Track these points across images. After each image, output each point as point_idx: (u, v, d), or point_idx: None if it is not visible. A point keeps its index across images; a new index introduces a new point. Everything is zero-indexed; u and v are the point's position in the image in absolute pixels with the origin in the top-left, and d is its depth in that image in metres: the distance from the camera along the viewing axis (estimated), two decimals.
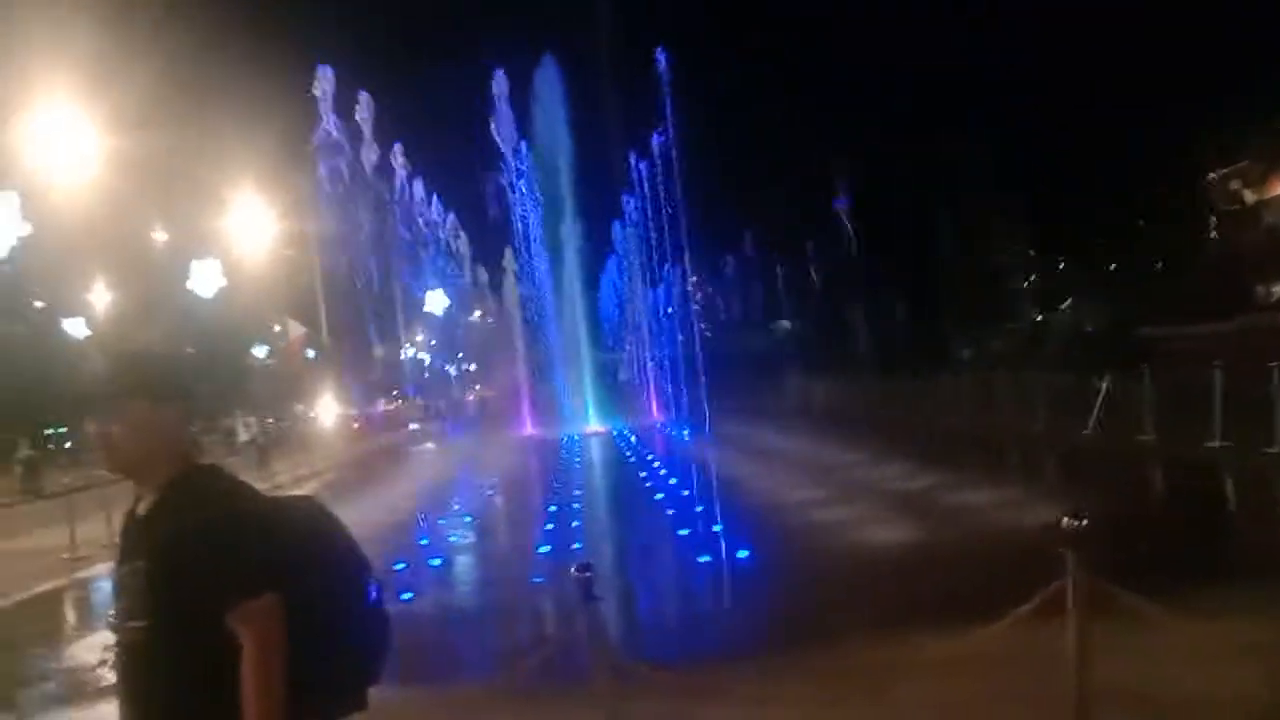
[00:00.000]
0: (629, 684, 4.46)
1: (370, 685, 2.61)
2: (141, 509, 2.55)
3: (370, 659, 2.61)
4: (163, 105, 35.04)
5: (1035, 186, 49.30)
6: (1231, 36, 39.12)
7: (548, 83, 38.17)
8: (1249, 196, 37.30)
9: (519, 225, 40.26)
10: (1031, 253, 56.30)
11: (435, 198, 65.78)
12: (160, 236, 44.98)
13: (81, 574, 13.69)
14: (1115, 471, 14.34)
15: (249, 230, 40.26)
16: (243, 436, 33.88)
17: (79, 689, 7.56)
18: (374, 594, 2.64)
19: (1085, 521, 4.19)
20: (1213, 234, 39.58)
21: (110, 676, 7.70)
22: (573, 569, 4.43)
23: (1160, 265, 47.86)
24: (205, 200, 41.13)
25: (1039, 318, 56.60)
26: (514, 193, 39.59)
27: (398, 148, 61.09)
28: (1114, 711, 4.50)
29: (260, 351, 65.17)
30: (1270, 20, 38.37)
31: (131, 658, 2.47)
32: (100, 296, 43.01)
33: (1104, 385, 18.00)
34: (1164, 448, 14.94)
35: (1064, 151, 45.24)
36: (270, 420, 46.26)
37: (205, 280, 42.31)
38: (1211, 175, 39.53)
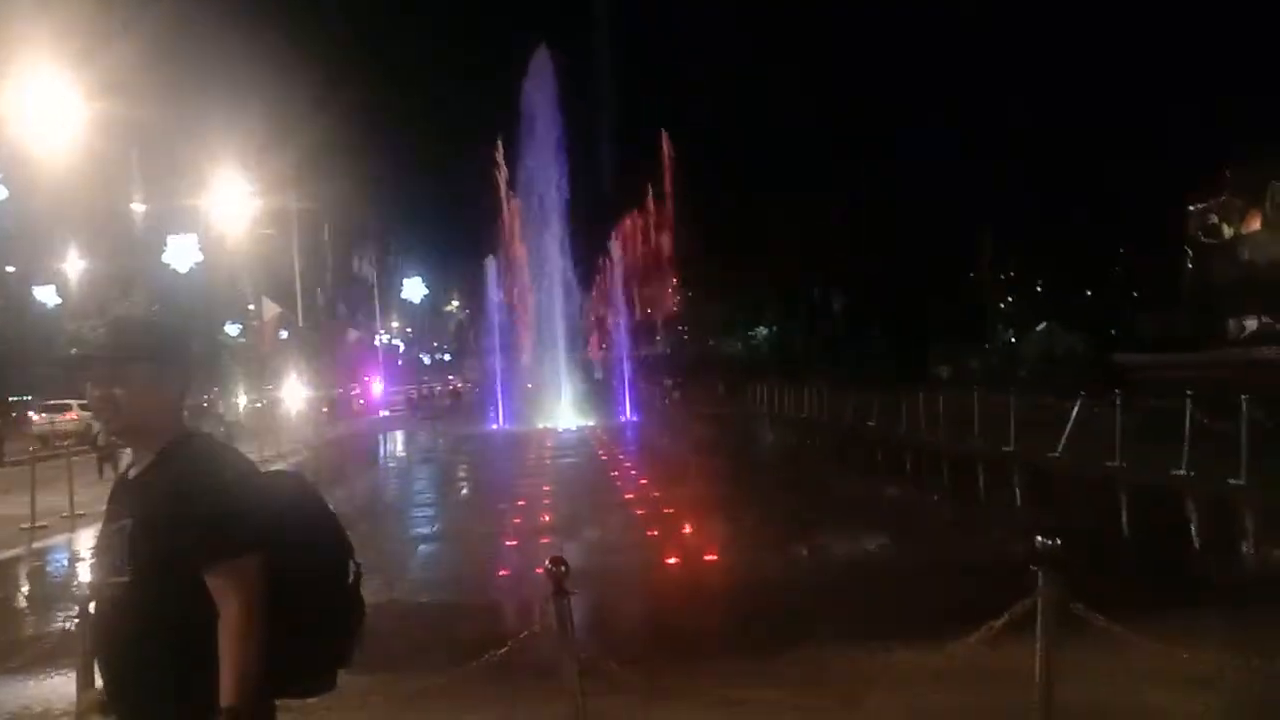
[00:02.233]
0: (597, 680, 4.45)
1: (341, 666, 2.60)
2: (133, 473, 2.57)
3: (344, 640, 2.59)
4: (146, 75, 34.74)
5: (1016, 209, 49.77)
6: (1214, 71, 39.71)
7: (541, 75, 38.06)
8: (1227, 230, 37.79)
9: (504, 220, 40.17)
10: (1010, 274, 56.77)
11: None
12: (138, 208, 44.53)
13: (39, 544, 13.54)
14: (1082, 495, 14.51)
15: (229, 206, 39.89)
16: (224, 413, 33.59)
17: (32, 659, 7.45)
18: (353, 575, 2.63)
19: (1058, 541, 4.22)
20: (1189, 266, 40.07)
21: (66, 645, 7.67)
22: (546, 563, 4.42)
23: (1136, 294, 48.48)
24: (186, 174, 40.77)
25: (1013, 340, 57.16)
26: (502, 189, 39.52)
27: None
28: None
29: (233, 330, 64.77)
30: (1251, 55, 38.98)
31: (110, 614, 2.47)
32: (74, 265, 42.54)
33: (1075, 409, 18.16)
34: (1131, 474, 15.08)
35: (1046, 176, 45.73)
36: (235, 399, 45.98)
37: (181, 255, 41.96)
38: (1191, 208, 40.08)
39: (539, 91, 37.93)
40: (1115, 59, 44.23)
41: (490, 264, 41.82)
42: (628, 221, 50.20)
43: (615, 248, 43.49)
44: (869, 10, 73.17)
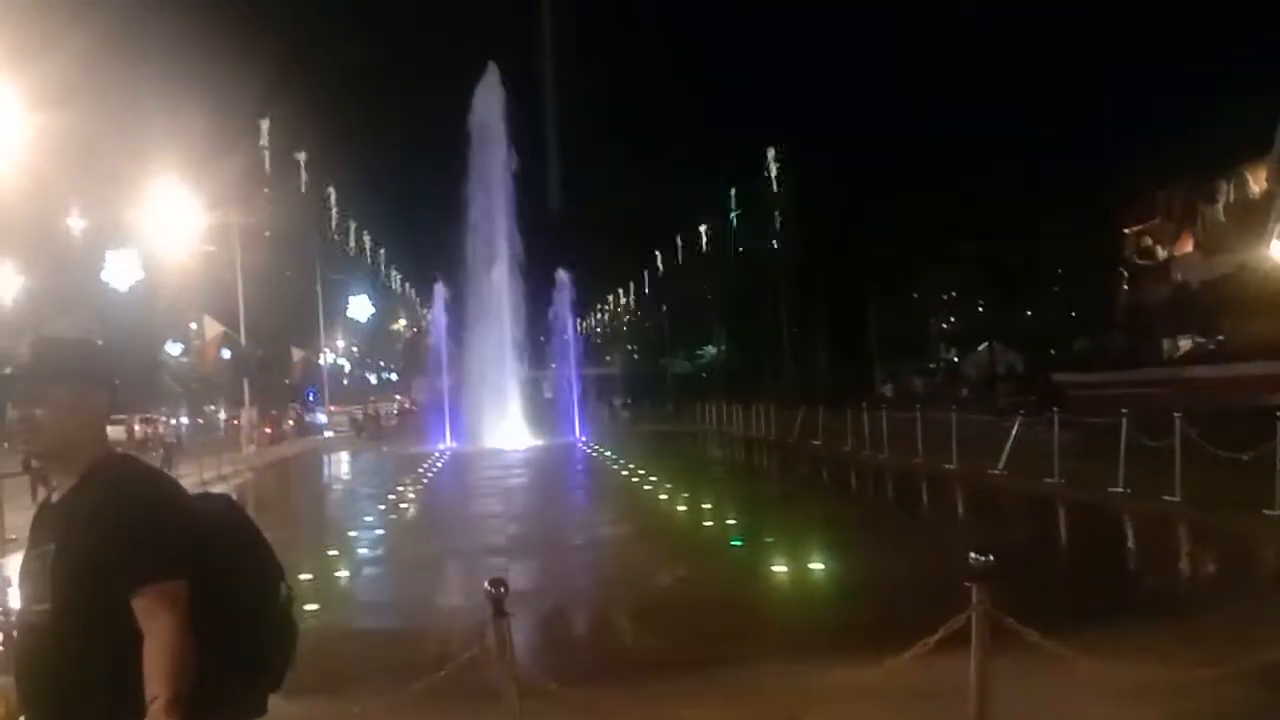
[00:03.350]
0: (537, 701, 4.43)
1: (272, 691, 2.55)
2: (55, 497, 2.52)
3: (275, 664, 2.55)
4: (86, 85, 34.00)
5: (958, 230, 50.56)
6: (1148, 96, 40.88)
7: (490, 95, 38.04)
8: (1160, 253, 38.81)
9: (455, 239, 39.92)
10: (953, 294, 57.70)
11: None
12: (77, 223, 43.57)
13: None
14: (1021, 512, 14.77)
15: (170, 223, 39.13)
16: (163, 434, 32.90)
17: None
18: (284, 597, 2.59)
19: (991, 558, 4.28)
20: (1125, 287, 41.03)
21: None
22: (486, 584, 4.39)
23: (1073, 315, 49.48)
24: (126, 188, 39.95)
25: (955, 359, 58.12)
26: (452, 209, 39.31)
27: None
28: None
29: (175, 349, 63.50)
30: (1184, 81, 40.22)
31: (33, 642, 2.41)
32: (9, 281, 41.48)
33: (1015, 427, 18.49)
34: (1069, 491, 15.35)
35: (987, 198, 46.49)
36: (172, 421, 45.13)
37: (121, 271, 41.06)
38: (1126, 231, 41.09)
39: (488, 111, 37.92)
40: (1057, 85, 45.38)
41: (439, 284, 41.60)
42: (579, 240, 50.27)
43: (565, 268, 43.43)
44: (815, 18, 74.41)
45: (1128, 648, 6.00)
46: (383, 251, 67.37)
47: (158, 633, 2.30)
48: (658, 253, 78.29)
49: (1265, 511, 11.39)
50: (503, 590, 4.36)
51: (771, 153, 63.77)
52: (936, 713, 4.90)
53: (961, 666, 4.54)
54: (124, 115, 38.37)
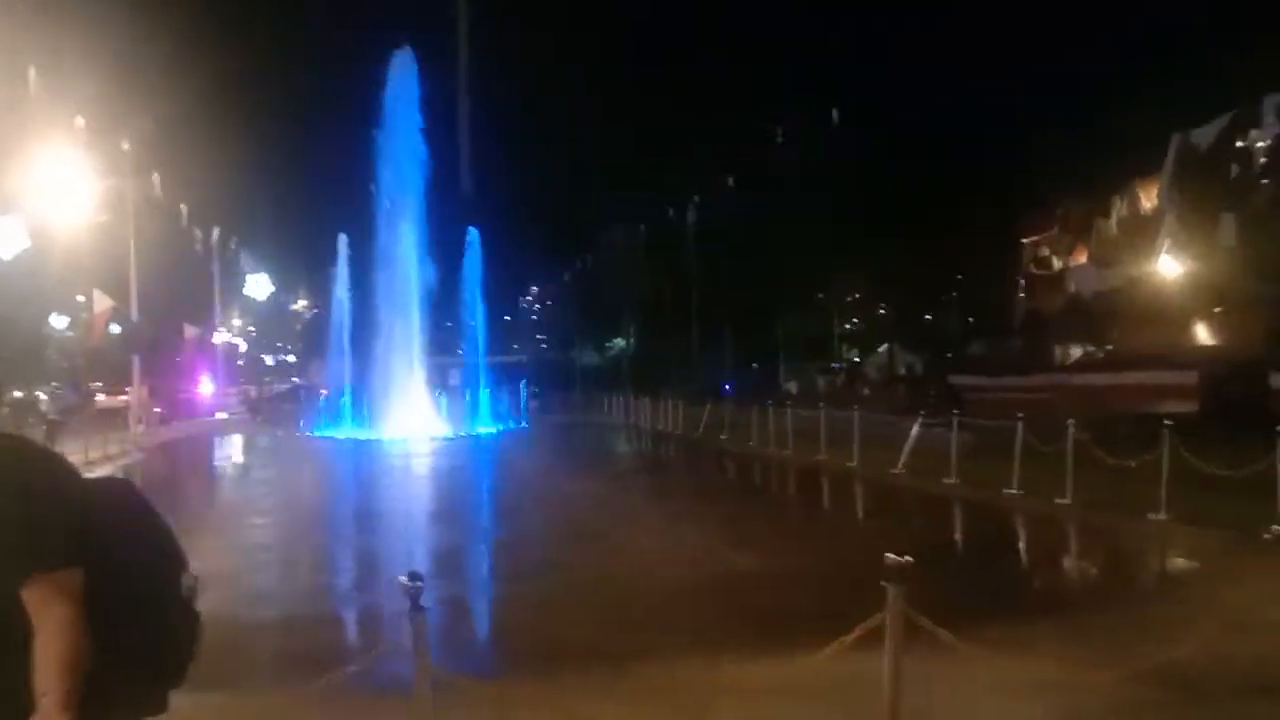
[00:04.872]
0: (448, 695, 4.34)
1: (173, 686, 2.42)
2: None
3: (176, 657, 2.42)
4: None
5: (863, 231, 51.56)
6: (1049, 104, 42.16)
7: (402, 71, 37.29)
8: (1056, 263, 40.38)
9: (358, 219, 39.07)
10: (856, 296, 58.91)
11: None
12: None
13: None
14: (920, 511, 15.14)
15: (60, 190, 37.34)
16: (46, 411, 31.44)
17: None
18: (186, 587, 2.46)
19: (908, 558, 4.35)
20: (1021, 295, 42.54)
21: None
22: (402, 578, 4.28)
23: (971, 320, 51.05)
24: (13, 152, 37.94)
25: (857, 359, 59.41)
26: (357, 184, 38.45)
27: None
28: None
29: (60, 322, 60.73)
30: (1081, 96, 41.68)
31: None
32: None
33: (914, 429, 18.95)
34: (966, 491, 15.80)
35: (892, 199, 47.51)
36: (60, 398, 43.29)
37: (4, 239, 38.97)
38: (1025, 240, 42.65)
39: (399, 88, 37.16)
40: (955, 97, 46.48)
41: (341, 262, 40.65)
42: (487, 225, 49.63)
43: (473, 252, 42.84)
44: (737, 27, 75.20)
45: (1023, 644, 6.22)
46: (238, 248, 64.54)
47: (50, 624, 2.16)
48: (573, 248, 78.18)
49: (1150, 515, 11.89)
50: (419, 583, 4.25)
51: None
52: (845, 708, 4.96)
53: (867, 663, 4.60)
54: (13, 71, 36.35)
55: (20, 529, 2.19)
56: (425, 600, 4.30)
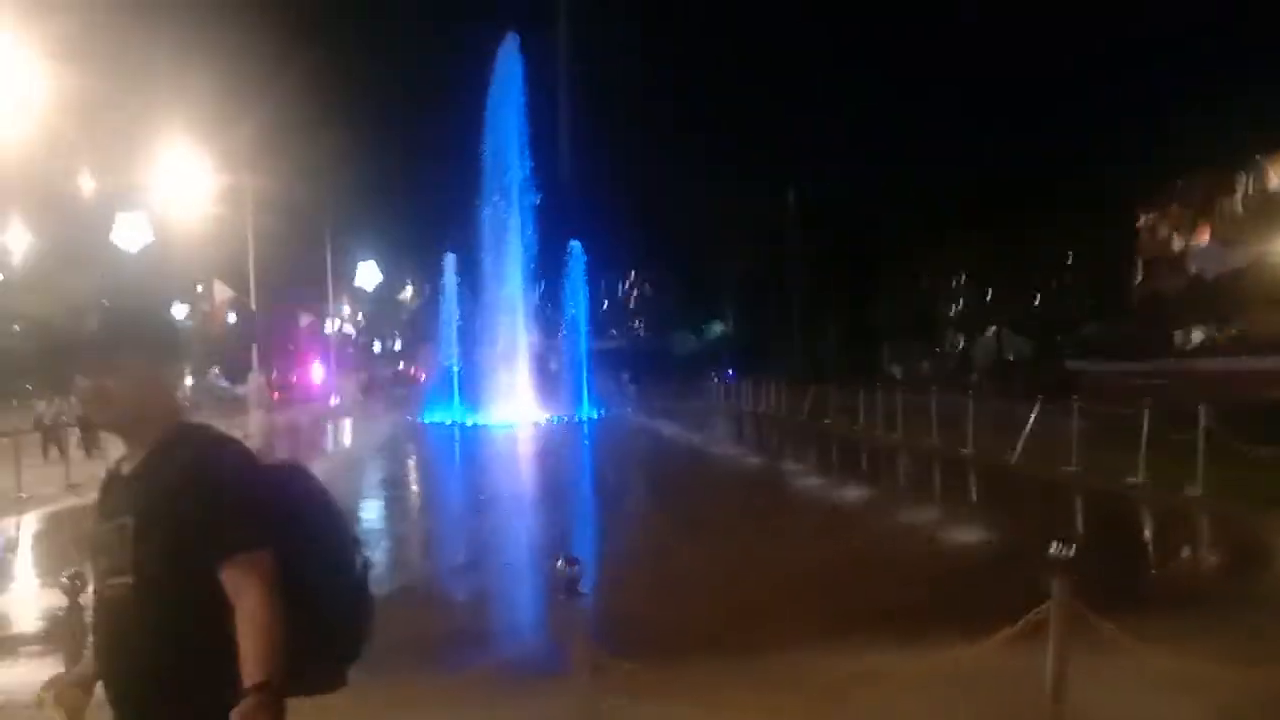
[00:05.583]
0: (608, 680, 4.40)
1: (352, 661, 2.55)
2: (126, 467, 2.50)
3: (354, 633, 2.54)
4: (94, 42, 33.61)
5: (970, 214, 50.39)
6: (1166, 84, 40.53)
7: (507, 62, 37.70)
8: (1176, 243, 38.75)
9: (465, 210, 39.73)
10: (963, 279, 57.51)
11: None
12: (87, 184, 43.35)
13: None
14: (1042, 500, 14.72)
15: (181, 185, 38.92)
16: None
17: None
18: (361, 566, 2.58)
19: (1073, 548, 4.26)
20: (1139, 277, 40.95)
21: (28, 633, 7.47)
22: (558, 562, 4.36)
23: (1084, 303, 49.30)
24: (138, 149, 39.64)
25: (963, 344, 58.01)
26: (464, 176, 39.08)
27: None
28: None
29: (180, 311, 63.24)
30: (1204, 70, 39.87)
31: (115, 616, 2.39)
32: (18, 240, 41.32)
33: (1034, 413, 18.44)
34: (1087, 480, 15.34)
35: (1000, 183, 46.30)
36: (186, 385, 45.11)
37: (130, 234, 40.81)
38: (1141, 219, 40.98)
39: (505, 79, 37.59)
40: (1068, 71, 45.04)
41: (448, 255, 41.41)
42: (588, 211, 50.02)
43: (576, 240, 43.20)
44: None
45: (1169, 638, 6.00)
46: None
47: (247, 605, 2.30)
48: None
49: None
50: (576, 568, 4.32)
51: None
52: (1001, 701, 4.88)
53: (1013, 655, 4.53)
54: (136, 74, 37.99)
55: (218, 513, 2.33)
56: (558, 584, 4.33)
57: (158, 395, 2.50)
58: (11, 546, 12.86)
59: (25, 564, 12.07)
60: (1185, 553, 11.53)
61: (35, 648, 7.14)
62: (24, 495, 14.75)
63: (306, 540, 2.46)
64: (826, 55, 62.85)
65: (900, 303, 55.95)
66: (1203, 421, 13.71)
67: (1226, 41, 38.08)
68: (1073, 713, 4.40)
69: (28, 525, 13.60)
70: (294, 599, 2.36)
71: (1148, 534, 12.62)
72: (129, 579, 2.34)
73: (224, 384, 49.18)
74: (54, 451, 21.21)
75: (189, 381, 45.66)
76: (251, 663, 2.25)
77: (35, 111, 30.19)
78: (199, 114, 38.42)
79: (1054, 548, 4.28)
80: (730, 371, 47.52)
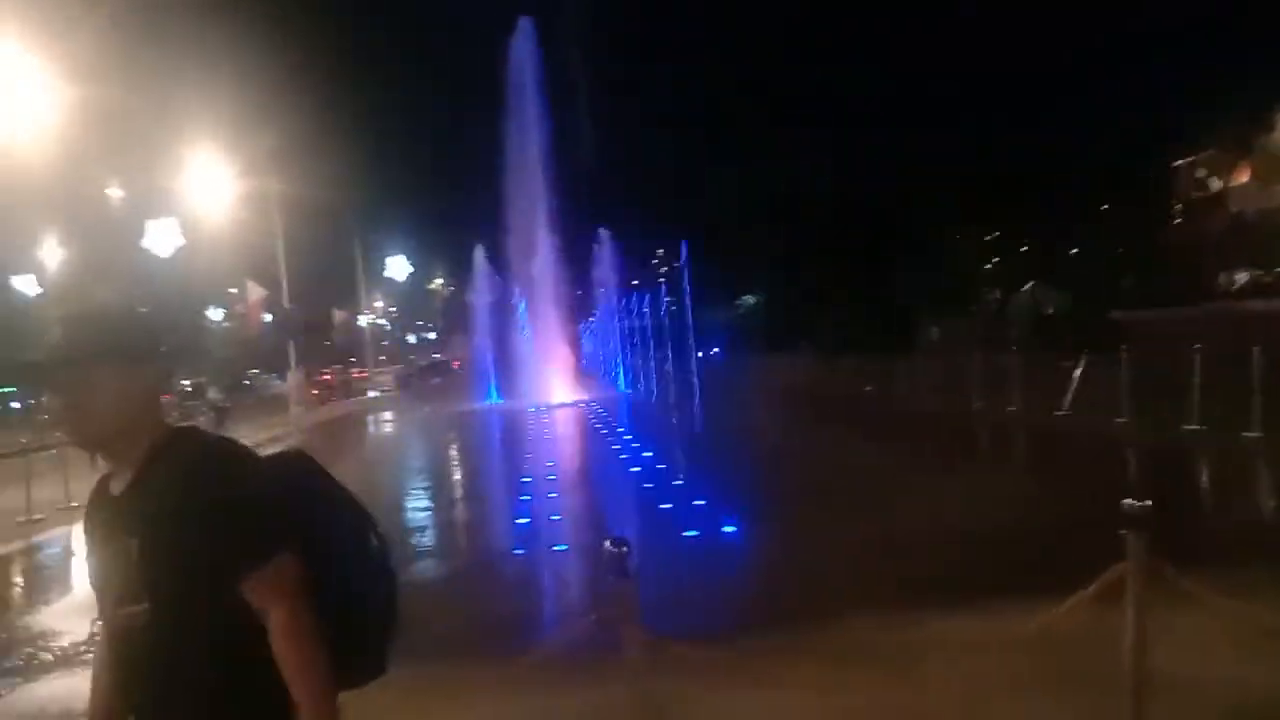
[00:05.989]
0: (659, 661, 4.25)
1: (387, 646, 2.40)
2: (116, 486, 2.28)
3: (383, 616, 2.40)
4: (119, 55, 33.82)
5: (998, 167, 49.57)
6: (1200, 25, 39.51)
7: (525, 47, 37.59)
8: (1214, 184, 37.82)
9: (491, 196, 39.69)
10: (996, 234, 56.71)
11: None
12: (115, 193, 43.77)
13: (38, 537, 13.28)
14: (1098, 454, 14.34)
15: (209, 189, 39.22)
16: (211, 398, 33.35)
17: (39, 663, 7.26)
18: (377, 546, 2.42)
19: (1148, 504, 4.04)
20: (1177, 221, 40.06)
21: (70, 650, 7.44)
22: (607, 543, 4.20)
23: (1121, 251, 48.35)
24: (163, 156, 39.98)
25: (999, 300, 57.12)
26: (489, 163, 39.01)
27: None
28: (1169, 694, 4.38)
29: (216, 314, 64.04)
30: (1237, 12, 38.83)
31: (132, 645, 2.21)
32: (52, 253, 41.85)
33: (1080, 367, 18.07)
34: (1141, 431, 14.98)
35: (1030, 133, 45.57)
36: (222, 385, 45.71)
37: (162, 239, 41.19)
38: (1178, 162, 40.02)
39: (524, 64, 37.49)
40: (1099, 16, 44.01)
41: (478, 244, 41.52)
42: (618, 189, 49.86)
43: (605, 226, 43.22)
44: None
45: (1246, 591, 5.74)
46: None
47: (278, 613, 2.15)
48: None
49: None
50: (625, 549, 4.17)
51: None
52: (1065, 662, 4.68)
53: (1087, 616, 4.32)
54: (159, 83, 38.28)
55: (230, 527, 2.15)
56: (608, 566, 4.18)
57: (138, 404, 2.24)
58: (64, 556, 12.90)
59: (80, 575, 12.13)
60: (1250, 500, 11.15)
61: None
62: (74, 504, 14.91)
63: (323, 530, 2.32)
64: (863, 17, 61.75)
65: (933, 263, 55.17)
66: (1256, 362, 13.34)
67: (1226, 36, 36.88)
68: (1155, 673, 4.18)
69: (80, 533, 13.68)
70: (324, 592, 2.23)
71: (1213, 482, 12.23)
72: (144, 605, 2.16)
73: (277, 381, 49.70)
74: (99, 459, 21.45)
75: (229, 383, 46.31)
76: (298, 681, 2.14)
77: (62, 127, 30.48)
78: (225, 118, 38.67)
79: (1127, 503, 4.05)
80: (716, 350, 47.17)
